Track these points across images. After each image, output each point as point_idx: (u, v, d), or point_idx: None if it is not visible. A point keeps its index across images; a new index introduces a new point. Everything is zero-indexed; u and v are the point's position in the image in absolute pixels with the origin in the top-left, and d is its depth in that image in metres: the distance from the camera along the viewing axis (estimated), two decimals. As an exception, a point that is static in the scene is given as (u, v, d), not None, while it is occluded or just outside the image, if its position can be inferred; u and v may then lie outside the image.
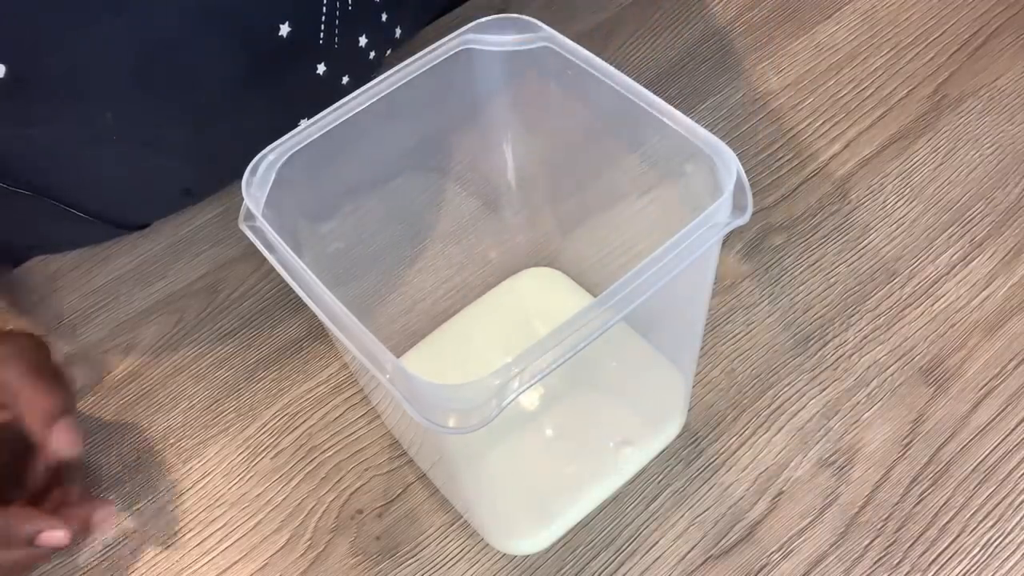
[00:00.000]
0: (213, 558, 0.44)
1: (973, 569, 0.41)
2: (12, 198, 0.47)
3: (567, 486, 0.44)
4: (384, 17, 0.53)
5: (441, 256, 0.48)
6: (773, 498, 0.43)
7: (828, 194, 0.52)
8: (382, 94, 0.38)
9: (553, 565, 0.42)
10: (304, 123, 0.38)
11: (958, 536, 0.42)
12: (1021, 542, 0.41)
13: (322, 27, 0.49)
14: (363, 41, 0.52)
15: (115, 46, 0.42)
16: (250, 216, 0.35)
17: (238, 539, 0.44)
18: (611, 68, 0.37)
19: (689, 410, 0.45)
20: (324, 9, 0.48)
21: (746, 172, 0.33)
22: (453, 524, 0.44)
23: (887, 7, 0.60)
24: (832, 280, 0.49)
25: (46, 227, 0.52)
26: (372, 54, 0.53)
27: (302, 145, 0.37)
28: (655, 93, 0.36)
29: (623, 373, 0.46)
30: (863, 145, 0.54)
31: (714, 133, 0.54)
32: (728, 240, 0.51)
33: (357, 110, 0.38)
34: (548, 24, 0.39)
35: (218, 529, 0.44)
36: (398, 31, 0.55)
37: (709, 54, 0.59)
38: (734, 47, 0.59)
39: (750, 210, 0.32)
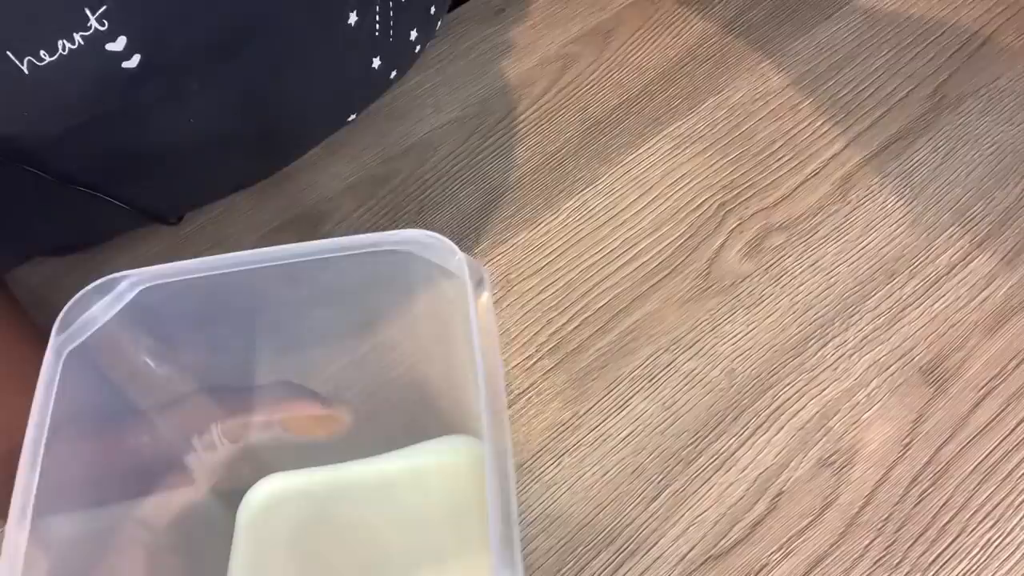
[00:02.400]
0: None
1: (973, 569, 0.41)
2: (67, 196, 0.45)
3: None
4: (432, 10, 0.53)
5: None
6: (773, 498, 0.43)
7: (828, 194, 0.52)
8: (291, 260, 0.34)
9: (553, 565, 0.42)
10: (190, 262, 0.34)
11: (958, 536, 0.42)
12: (1021, 542, 0.41)
13: (377, 19, 0.48)
14: (414, 35, 0.52)
15: (208, 20, 0.41)
16: (74, 337, 0.32)
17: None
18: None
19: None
20: (380, 2, 0.48)
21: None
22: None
23: (887, 7, 0.60)
24: (832, 280, 0.49)
25: (85, 223, 0.50)
26: (417, 48, 0.53)
27: (174, 279, 0.33)
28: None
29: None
30: (863, 145, 0.54)
31: (714, 133, 0.55)
32: (728, 240, 0.51)
33: (253, 266, 0.34)
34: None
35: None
36: (439, 24, 0.55)
37: (709, 54, 0.59)
38: (734, 47, 0.59)
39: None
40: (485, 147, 0.56)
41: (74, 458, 0.32)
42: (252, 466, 0.42)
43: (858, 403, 0.45)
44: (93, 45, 0.38)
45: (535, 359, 0.48)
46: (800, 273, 0.50)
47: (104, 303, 0.33)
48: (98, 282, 0.33)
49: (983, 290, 0.48)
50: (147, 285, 0.33)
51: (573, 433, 0.46)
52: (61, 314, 0.33)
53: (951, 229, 0.51)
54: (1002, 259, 0.49)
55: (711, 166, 0.54)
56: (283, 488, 0.42)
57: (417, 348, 0.41)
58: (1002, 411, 0.45)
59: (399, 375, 0.42)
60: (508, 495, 0.28)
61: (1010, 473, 0.43)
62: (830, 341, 0.47)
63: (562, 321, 0.49)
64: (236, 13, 0.42)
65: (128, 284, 0.33)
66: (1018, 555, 0.41)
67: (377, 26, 0.49)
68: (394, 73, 0.53)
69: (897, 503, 0.42)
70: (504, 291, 0.50)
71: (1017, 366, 0.46)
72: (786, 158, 0.54)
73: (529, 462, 0.45)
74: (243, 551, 0.41)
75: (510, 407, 0.47)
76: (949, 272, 0.49)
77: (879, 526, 0.42)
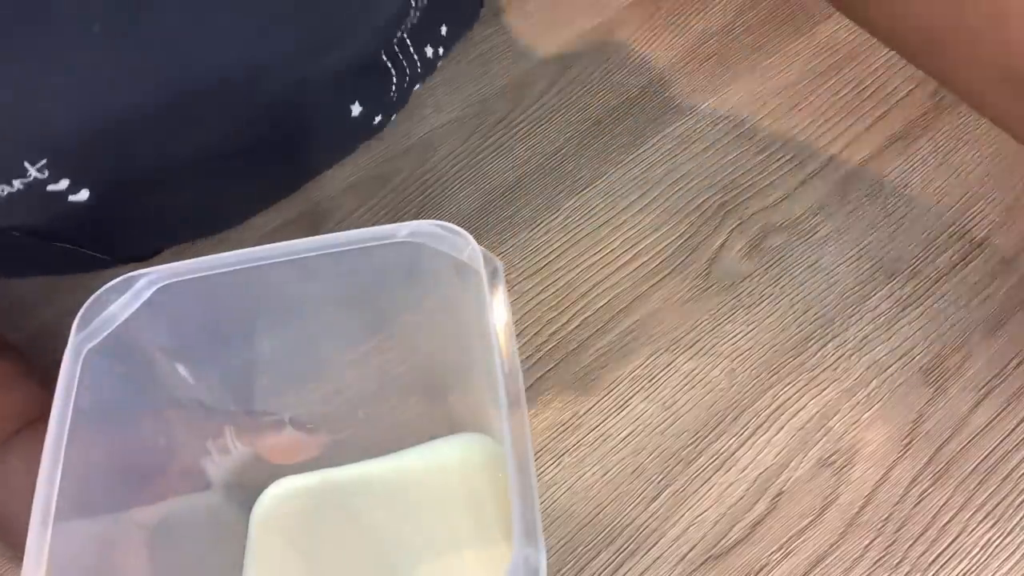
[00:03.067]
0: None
1: (973, 569, 0.41)
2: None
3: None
4: (444, 31, 0.55)
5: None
6: (773, 498, 0.43)
7: (828, 194, 0.52)
8: (305, 254, 0.35)
9: (553, 565, 0.42)
10: (204, 259, 0.34)
11: (958, 536, 0.42)
12: (1021, 542, 0.41)
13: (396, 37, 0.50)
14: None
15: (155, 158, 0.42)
16: (92, 336, 0.32)
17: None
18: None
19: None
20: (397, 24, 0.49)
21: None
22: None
23: (887, 7, 0.60)
24: (832, 280, 0.49)
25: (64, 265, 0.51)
26: (439, 63, 0.55)
27: (190, 276, 0.34)
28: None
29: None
30: (863, 145, 0.54)
31: (714, 133, 0.55)
32: (728, 240, 0.51)
33: (267, 261, 0.34)
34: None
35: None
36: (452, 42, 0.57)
37: (709, 54, 0.59)
38: (734, 47, 0.59)
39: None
40: (485, 147, 0.56)
41: (92, 458, 0.32)
42: (266, 468, 0.42)
43: (858, 403, 0.45)
44: (33, 188, 0.38)
45: (535, 359, 0.48)
46: (800, 273, 0.50)
47: (122, 302, 0.33)
48: (116, 281, 0.33)
49: (983, 290, 0.48)
50: (164, 283, 0.33)
51: (573, 433, 0.46)
52: (80, 313, 0.33)
53: (951, 229, 0.51)
54: (1002, 259, 0.49)
55: (711, 166, 0.54)
56: (296, 489, 0.42)
57: (429, 344, 0.40)
58: (1002, 411, 0.45)
59: (410, 371, 0.42)
60: (529, 482, 0.28)
61: (1010, 473, 0.43)
62: (830, 341, 0.47)
63: (562, 321, 0.49)
64: (178, 151, 0.42)
65: (146, 282, 0.33)
66: (1018, 555, 0.41)
67: (395, 43, 0.50)
68: (393, 116, 0.54)
69: (897, 503, 0.42)
70: (504, 291, 0.50)
71: (1017, 366, 0.46)
72: (786, 158, 0.54)
73: (529, 462, 0.45)
74: (257, 552, 0.41)
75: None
76: (949, 272, 0.49)
77: (879, 526, 0.42)
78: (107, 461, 0.33)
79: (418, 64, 0.54)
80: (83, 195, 0.40)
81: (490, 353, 0.32)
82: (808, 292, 0.49)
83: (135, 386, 0.35)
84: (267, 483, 0.42)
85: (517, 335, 0.49)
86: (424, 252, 0.35)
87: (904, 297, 0.48)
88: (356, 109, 0.51)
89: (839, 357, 0.47)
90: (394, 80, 0.52)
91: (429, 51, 0.55)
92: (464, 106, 0.58)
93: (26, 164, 0.37)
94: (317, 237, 0.34)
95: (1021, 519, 0.42)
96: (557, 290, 0.50)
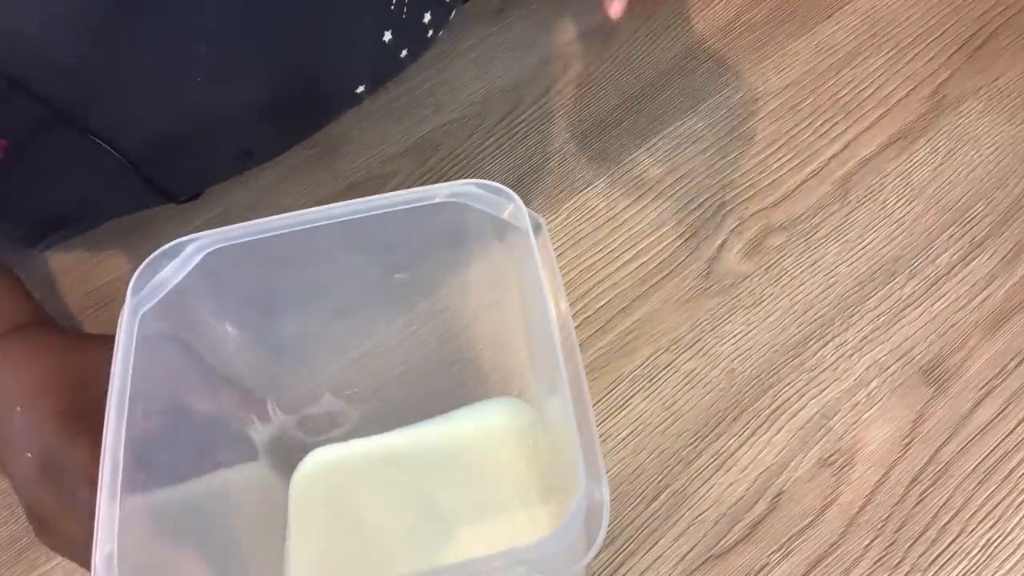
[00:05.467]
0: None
1: (973, 569, 0.41)
2: (73, 149, 0.45)
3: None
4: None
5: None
6: (773, 498, 0.43)
7: (828, 194, 0.52)
8: (349, 217, 0.35)
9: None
10: (251, 223, 0.34)
11: (958, 536, 0.42)
12: (1021, 542, 0.41)
13: None
14: (427, 18, 0.52)
15: None
16: (145, 300, 0.32)
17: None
18: None
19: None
20: None
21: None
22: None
23: (887, 7, 0.60)
24: (832, 280, 0.49)
25: (94, 190, 0.50)
26: (430, 32, 0.53)
27: (238, 241, 0.34)
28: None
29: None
30: (863, 145, 0.54)
31: (714, 133, 0.55)
32: (728, 240, 0.51)
33: (312, 224, 0.34)
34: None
35: None
36: (453, 14, 0.55)
37: (709, 54, 0.59)
38: (734, 47, 0.59)
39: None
40: (485, 147, 0.56)
41: (150, 422, 0.32)
42: (305, 437, 0.42)
43: (858, 403, 0.45)
44: None
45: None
46: (800, 273, 0.50)
47: (173, 266, 0.34)
48: (167, 246, 0.34)
49: (983, 290, 0.48)
50: (214, 248, 0.34)
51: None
52: (134, 276, 0.33)
53: (951, 229, 0.51)
54: (1002, 259, 0.49)
55: (711, 166, 0.54)
56: (334, 458, 0.43)
57: (468, 307, 0.40)
58: (1002, 411, 0.45)
59: (449, 336, 0.42)
60: (590, 426, 0.29)
61: (1010, 473, 0.43)
62: (830, 341, 0.47)
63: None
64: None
65: (195, 247, 0.34)
66: (1018, 555, 0.41)
67: (392, 1, 0.49)
68: (404, 52, 0.52)
69: (897, 503, 0.42)
70: (504, 291, 0.50)
71: (1017, 366, 0.46)
72: (786, 158, 0.54)
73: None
74: (298, 520, 0.41)
75: (510, 407, 0.47)
76: (949, 272, 0.49)
77: (879, 526, 0.42)
78: (163, 426, 0.33)
79: None
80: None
81: (533, 311, 0.32)
82: (808, 292, 0.49)
83: (185, 350, 0.35)
84: (305, 452, 0.43)
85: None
86: (465, 212, 0.35)
87: (904, 297, 0.48)
88: (387, 35, 0.50)
89: (839, 357, 0.47)
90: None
91: None
92: (464, 106, 0.58)
93: None
94: (360, 200, 0.34)
95: (1021, 519, 0.42)
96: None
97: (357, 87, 0.52)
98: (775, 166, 0.54)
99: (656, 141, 0.55)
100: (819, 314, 0.48)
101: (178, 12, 0.41)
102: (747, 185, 0.53)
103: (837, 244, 0.50)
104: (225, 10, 0.42)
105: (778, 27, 0.60)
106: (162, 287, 0.33)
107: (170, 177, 0.50)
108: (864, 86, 0.57)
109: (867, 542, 0.42)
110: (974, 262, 0.49)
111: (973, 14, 0.59)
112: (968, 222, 0.51)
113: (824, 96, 0.56)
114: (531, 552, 0.28)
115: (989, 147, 0.54)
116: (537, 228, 0.34)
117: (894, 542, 0.42)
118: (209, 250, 0.34)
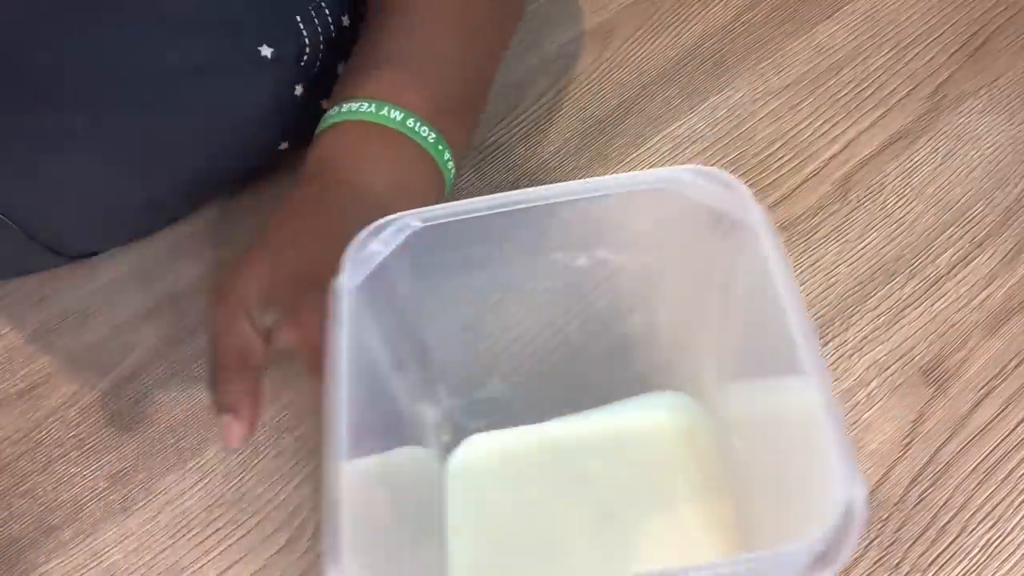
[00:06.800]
0: (213, 558, 0.44)
1: (973, 569, 0.41)
2: None
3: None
4: None
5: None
6: (773, 498, 0.43)
7: (828, 194, 0.52)
8: (556, 199, 0.35)
9: (553, 565, 0.42)
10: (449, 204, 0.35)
11: (958, 536, 0.42)
12: (1021, 542, 0.41)
13: (306, 51, 0.48)
14: (341, 68, 0.52)
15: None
16: (355, 276, 0.33)
17: (238, 539, 0.44)
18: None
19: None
20: (311, 34, 0.48)
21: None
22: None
23: (887, 7, 0.60)
24: (832, 280, 0.49)
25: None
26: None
27: (442, 221, 0.34)
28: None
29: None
30: (863, 145, 0.54)
31: (714, 133, 0.55)
32: (728, 240, 0.51)
33: (517, 206, 0.35)
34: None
35: (219, 529, 0.44)
36: None
37: (709, 54, 0.59)
38: (734, 47, 0.59)
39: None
40: (486, 147, 0.56)
41: (354, 398, 0.32)
42: (467, 422, 0.43)
43: (858, 403, 0.45)
44: None
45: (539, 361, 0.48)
46: (800, 273, 0.50)
47: (378, 244, 0.34)
48: (373, 225, 0.34)
49: (983, 290, 0.48)
50: (417, 227, 0.34)
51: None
52: (348, 251, 0.34)
53: (951, 229, 0.51)
54: (1002, 259, 0.49)
55: (711, 166, 0.54)
56: (494, 445, 0.43)
57: (658, 297, 0.40)
58: (1002, 411, 0.45)
59: (632, 326, 0.41)
60: (843, 429, 0.28)
61: (1010, 473, 0.43)
62: (830, 341, 0.47)
63: (561, 322, 0.49)
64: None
65: (399, 226, 0.34)
66: (1018, 555, 0.41)
67: (302, 57, 0.48)
68: (324, 102, 0.51)
69: (897, 503, 0.42)
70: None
71: (1017, 366, 0.46)
72: (786, 158, 0.54)
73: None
74: (457, 506, 0.41)
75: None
76: (949, 272, 0.49)
77: (879, 526, 0.42)
78: (364, 403, 0.33)
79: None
80: None
81: (740, 306, 0.31)
82: (808, 292, 0.49)
83: (384, 327, 0.36)
84: (466, 436, 0.43)
85: (518, 335, 0.49)
86: (672, 199, 0.34)
87: (904, 297, 0.48)
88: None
89: (839, 357, 0.47)
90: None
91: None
92: (464, 106, 0.58)
93: None
94: (566, 183, 0.35)
95: (1021, 519, 0.42)
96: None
97: (279, 145, 0.52)
98: (775, 166, 0.54)
99: (656, 141, 0.55)
100: (819, 314, 0.48)
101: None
102: (747, 185, 0.53)
103: (837, 244, 0.50)
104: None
105: (778, 27, 0.60)
106: (368, 264, 0.34)
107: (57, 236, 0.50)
108: (864, 86, 0.57)
109: (867, 542, 0.42)
110: (974, 262, 0.49)
111: (973, 14, 0.59)
112: (968, 222, 0.51)
113: (824, 96, 0.56)
114: (781, 558, 0.27)
115: (989, 147, 0.53)
116: (760, 220, 0.33)
117: (894, 542, 0.42)
118: (413, 229, 0.34)
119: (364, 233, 0.34)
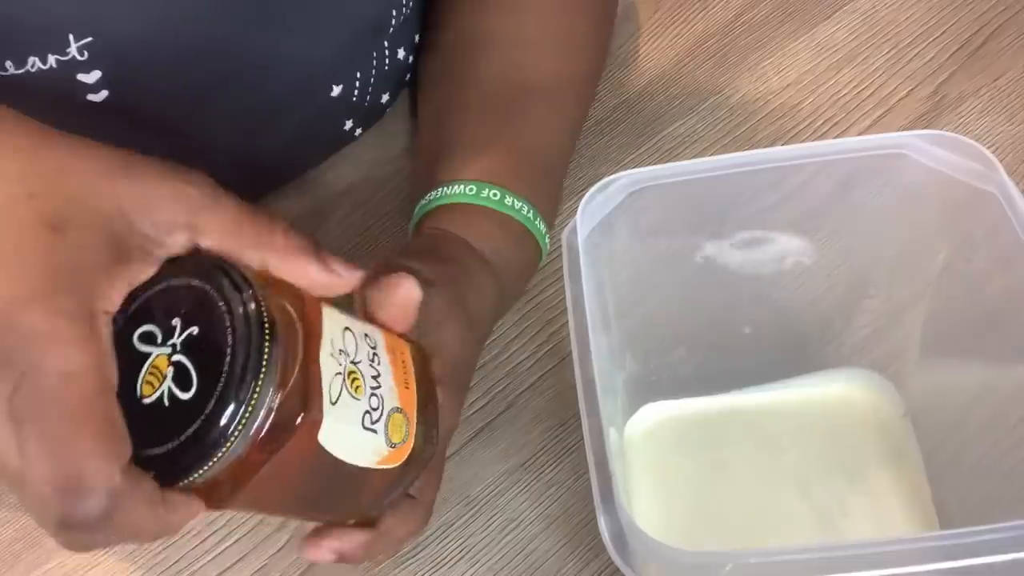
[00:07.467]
0: (213, 558, 0.44)
1: (973, 569, 0.41)
2: None
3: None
4: (408, 76, 0.55)
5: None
6: (773, 498, 0.43)
7: (828, 194, 0.52)
8: (785, 162, 0.36)
9: (553, 565, 0.42)
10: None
11: (958, 536, 0.41)
12: (1021, 542, 0.41)
13: (356, 87, 0.50)
14: (385, 98, 0.54)
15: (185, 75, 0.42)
16: (574, 231, 0.34)
17: (238, 539, 0.44)
18: None
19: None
20: (364, 72, 0.50)
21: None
22: (452, 524, 0.44)
23: (887, 7, 0.60)
24: (832, 280, 0.49)
25: None
26: (388, 109, 0.56)
27: (663, 181, 0.35)
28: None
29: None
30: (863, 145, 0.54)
31: (714, 133, 0.55)
32: (728, 240, 0.51)
33: (742, 168, 0.35)
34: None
35: (218, 529, 0.44)
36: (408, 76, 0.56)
37: (709, 54, 0.59)
38: (734, 47, 0.59)
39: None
40: (485, 147, 0.56)
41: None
42: (646, 389, 0.43)
43: (858, 403, 0.45)
44: (62, 70, 0.38)
45: (535, 359, 0.48)
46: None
47: (600, 200, 0.35)
48: (600, 183, 0.35)
49: (983, 290, 0.48)
50: (639, 187, 0.35)
51: (573, 433, 0.46)
52: (581, 206, 0.35)
53: (951, 229, 0.50)
54: (1001, 259, 0.49)
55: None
56: (675, 412, 0.43)
57: (867, 262, 0.41)
58: (1001, 411, 0.44)
59: (823, 297, 0.42)
60: None
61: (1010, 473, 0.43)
62: (830, 341, 0.47)
63: (562, 321, 0.49)
64: (213, 71, 0.42)
65: (620, 185, 0.35)
66: (1018, 555, 0.41)
67: (355, 94, 0.50)
68: (359, 131, 0.54)
69: (897, 503, 0.42)
70: (504, 291, 0.50)
71: (1016, 365, 0.46)
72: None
73: (529, 461, 0.45)
74: (638, 471, 0.42)
75: (510, 408, 0.47)
76: (949, 272, 0.49)
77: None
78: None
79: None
80: (101, 95, 0.40)
81: (971, 279, 0.33)
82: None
83: (596, 284, 0.36)
84: (643, 402, 0.43)
85: (517, 335, 0.49)
86: (907, 163, 0.35)
87: (904, 297, 0.48)
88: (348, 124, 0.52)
89: (839, 357, 0.47)
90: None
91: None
92: (464, 106, 0.58)
93: (70, 37, 0.37)
94: (796, 146, 0.36)
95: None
96: (557, 290, 0.50)
97: (305, 171, 0.54)
98: (775, 166, 0.54)
99: (656, 141, 0.55)
100: (819, 314, 0.48)
101: None
102: (747, 185, 0.53)
103: (837, 244, 0.50)
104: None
105: (778, 27, 0.60)
106: (590, 220, 0.35)
107: None
108: (864, 86, 0.57)
109: None
110: (974, 262, 0.49)
111: (973, 14, 0.59)
112: (968, 222, 0.51)
113: (824, 96, 0.56)
114: None
115: (989, 147, 0.53)
116: (1011, 188, 0.32)
117: (894, 542, 0.42)
118: (634, 189, 0.35)
119: (593, 188, 0.35)
